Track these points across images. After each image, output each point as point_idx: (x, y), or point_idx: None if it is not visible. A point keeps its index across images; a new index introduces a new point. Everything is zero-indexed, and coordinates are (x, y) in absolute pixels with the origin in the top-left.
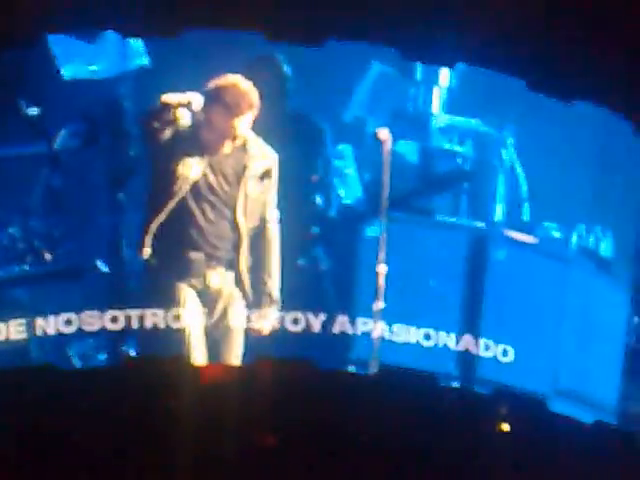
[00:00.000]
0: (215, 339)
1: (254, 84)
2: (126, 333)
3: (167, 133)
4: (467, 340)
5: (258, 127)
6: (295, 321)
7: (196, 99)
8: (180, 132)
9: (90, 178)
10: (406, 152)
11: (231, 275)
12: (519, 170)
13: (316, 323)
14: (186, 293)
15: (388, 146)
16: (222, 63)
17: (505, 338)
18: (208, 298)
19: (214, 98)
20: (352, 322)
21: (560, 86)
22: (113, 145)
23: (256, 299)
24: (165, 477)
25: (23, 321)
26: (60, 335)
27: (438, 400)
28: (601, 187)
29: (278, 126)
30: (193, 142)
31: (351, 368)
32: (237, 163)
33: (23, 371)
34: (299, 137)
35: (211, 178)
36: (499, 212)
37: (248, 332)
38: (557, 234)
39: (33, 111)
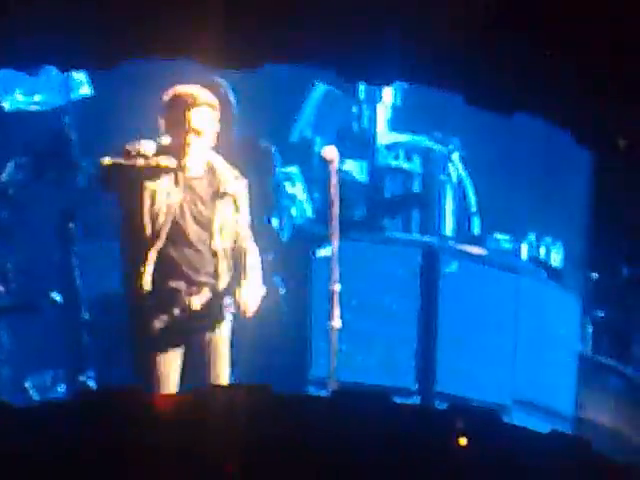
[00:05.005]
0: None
1: None
2: (85, 364)
3: (136, 166)
4: (424, 355)
5: None
6: (252, 347)
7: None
8: (147, 160)
9: (39, 210)
10: (354, 170)
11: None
12: (467, 184)
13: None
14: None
15: (335, 165)
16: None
17: (461, 350)
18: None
19: (170, 104)
20: (309, 343)
21: (498, 99)
22: (60, 176)
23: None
24: None
25: None
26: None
27: (396, 416)
28: (548, 197)
29: (228, 151)
30: (163, 162)
31: (309, 389)
32: (210, 185)
33: None
34: (249, 161)
35: (190, 201)
36: (449, 226)
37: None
38: (507, 245)
39: None
